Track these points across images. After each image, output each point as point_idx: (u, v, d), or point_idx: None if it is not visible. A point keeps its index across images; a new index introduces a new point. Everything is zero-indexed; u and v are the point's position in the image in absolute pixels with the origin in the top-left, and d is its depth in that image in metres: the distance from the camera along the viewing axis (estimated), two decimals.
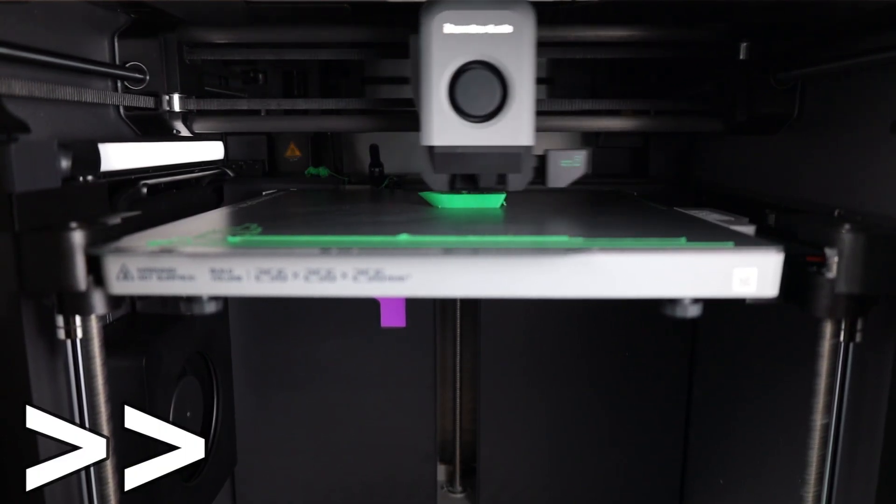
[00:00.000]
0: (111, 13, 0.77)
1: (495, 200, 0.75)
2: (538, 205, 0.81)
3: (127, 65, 0.79)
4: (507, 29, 0.64)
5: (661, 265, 0.46)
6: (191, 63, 0.85)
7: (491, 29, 0.64)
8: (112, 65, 0.78)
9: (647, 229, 0.58)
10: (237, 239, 0.50)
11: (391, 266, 0.47)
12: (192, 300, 0.49)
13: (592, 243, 0.48)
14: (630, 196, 0.89)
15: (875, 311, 0.52)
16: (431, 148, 0.68)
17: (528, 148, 0.68)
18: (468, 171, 0.70)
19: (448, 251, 0.46)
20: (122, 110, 0.79)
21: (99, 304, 0.50)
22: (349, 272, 0.47)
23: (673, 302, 0.48)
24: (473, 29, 0.64)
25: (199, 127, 0.87)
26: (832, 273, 0.49)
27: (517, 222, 0.67)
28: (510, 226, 0.65)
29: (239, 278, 0.47)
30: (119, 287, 0.48)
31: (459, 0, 0.65)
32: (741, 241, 0.48)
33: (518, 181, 0.70)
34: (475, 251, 0.47)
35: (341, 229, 0.59)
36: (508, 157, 0.68)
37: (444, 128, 0.67)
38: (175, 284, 0.47)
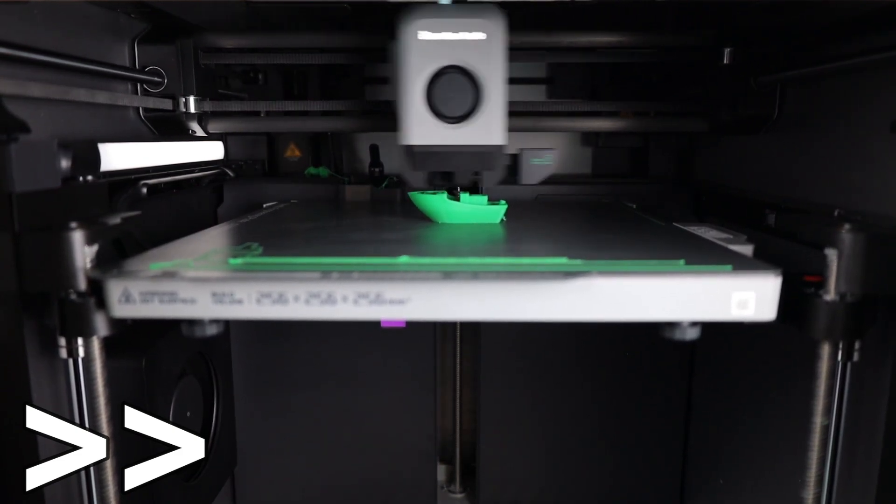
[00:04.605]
0: (131, 20, 0.80)
1: (495, 215, 0.75)
2: (537, 219, 0.82)
3: (146, 69, 0.83)
4: (479, 36, 0.68)
5: (660, 289, 0.47)
6: (205, 67, 0.88)
7: (464, 36, 0.68)
8: (132, 69, 0.82)
9: (646, 249, 0.59)
10: (238, 261, 0.51)
11: (391, 290, 0.47)
12: (193, 323, 0.49)
13: (591, 266, 0.48)
14: (629, 209, 0.89)
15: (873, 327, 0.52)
16: (410, 147, 0.72)
17: (500, 147, 0.72)
18: (444, 169, 0.75)
19: (448, 275, 0.47)
20: (141, 112, 0.82)
21: (101, 326, 0.50)
22: (350, 296, 0.47)
23: (672, 325, 0.49)
24: (447, 36, 0.68)
25: (213, 127, 0.90)
26: (830, 295, 0.50)
27: (516, 240, 0.68)
28: (510, 245, 0.66)
29: (240, 301, 0.47)
30: (121, 310, 0.48)
31: (434, 8, 0.69)
32: (739, 264, 0.49)
33: (490, 178, 0.75)
34: (475, 275, 0.47)
35: (342, 248, 0.59)
36: (482, 155, 0.72)
37: (421, 128, 0.71)
38: (177, 308, 0.48)
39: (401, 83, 0.71)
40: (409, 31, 0.69)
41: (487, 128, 0.71)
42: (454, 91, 0.70)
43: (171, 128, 0.86)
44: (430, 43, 0.69)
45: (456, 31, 0.68)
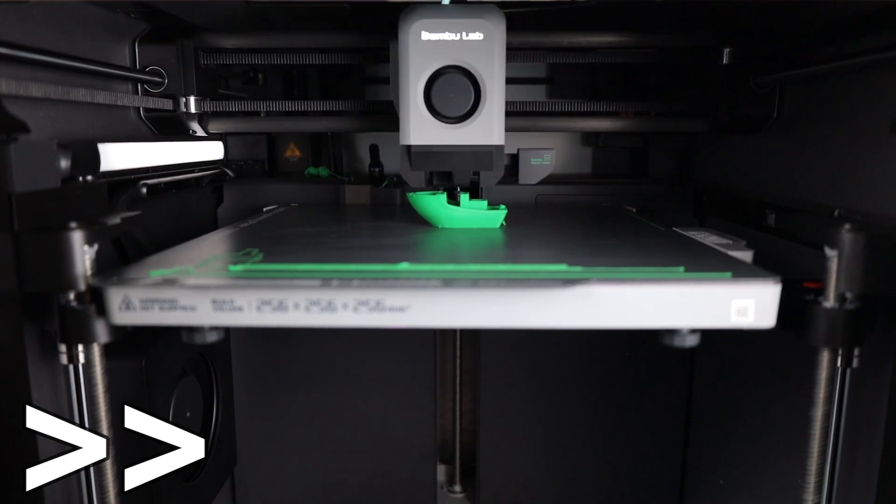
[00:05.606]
0: (131, 20, 0.81)
1: (495, 220, 0.75)
2: (537, 225, 0.82)
3: (146, 69, 0.83)
4: (478, 36, 0.70)
5: (660, 296, 0.47)
6: (206, 67, 0.89)
7: (464, 36, 0.70)
8: (133, 69, 0.82)
9: (646, 255, 0.59)
10: (238, 268, 0.51)
11: (391, 297, 0.47)
12: (193, 329, 0.49)
13: (591, 273, 0.48)
14: (628, 213, 0.90)
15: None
16: (409, 147, 0.73)
17: (499, 147, 0.73)
18: (443, 169, 0.75)
19: (448, 282, 0.47)
20: (142, 112, 0.83)
21: (101, 333, 0.50)
22: (350, 303, 0.47)
23: (671, 332, 0.49)
24: (448, 36, 0.70)
25: (213, 127, 0.91)
26: (829, 302, 0.50)
27: (516, 246, 0.68)
28: (509, 251, 0.66)
29: (240, 309, 0.47)
30: (121, 317, 0.48)
31: (435, 9, 0.70)
32: (739, 272, 0.49)
33: (490, 178, 0.75)
34: (475, 282, 0.47)
35: (342, 254, 0.59)
36: (481, 155, 0.73)
37: (420, 128, 0.72)
38: (177, 315, 0.48)
39: (401, 84, 0.71)
40: (410, 32, 0.70)
41: (487, 128, 0.72)
42: (454, 91, 0.71)
43: (171, 128, 0.87)
44: (430, 43, 0.70)
45: (456, 31, 0.69)
